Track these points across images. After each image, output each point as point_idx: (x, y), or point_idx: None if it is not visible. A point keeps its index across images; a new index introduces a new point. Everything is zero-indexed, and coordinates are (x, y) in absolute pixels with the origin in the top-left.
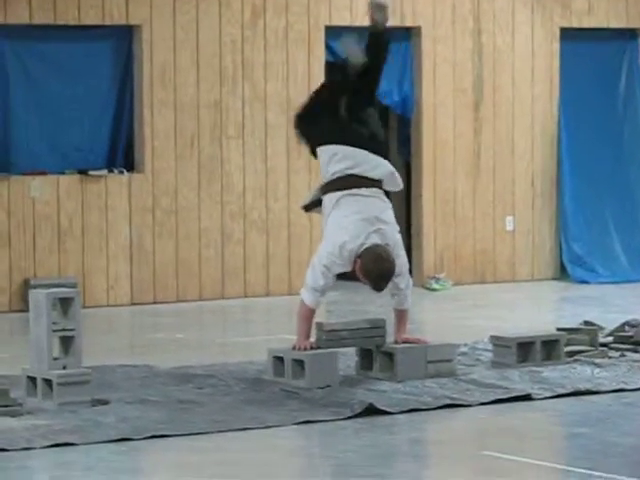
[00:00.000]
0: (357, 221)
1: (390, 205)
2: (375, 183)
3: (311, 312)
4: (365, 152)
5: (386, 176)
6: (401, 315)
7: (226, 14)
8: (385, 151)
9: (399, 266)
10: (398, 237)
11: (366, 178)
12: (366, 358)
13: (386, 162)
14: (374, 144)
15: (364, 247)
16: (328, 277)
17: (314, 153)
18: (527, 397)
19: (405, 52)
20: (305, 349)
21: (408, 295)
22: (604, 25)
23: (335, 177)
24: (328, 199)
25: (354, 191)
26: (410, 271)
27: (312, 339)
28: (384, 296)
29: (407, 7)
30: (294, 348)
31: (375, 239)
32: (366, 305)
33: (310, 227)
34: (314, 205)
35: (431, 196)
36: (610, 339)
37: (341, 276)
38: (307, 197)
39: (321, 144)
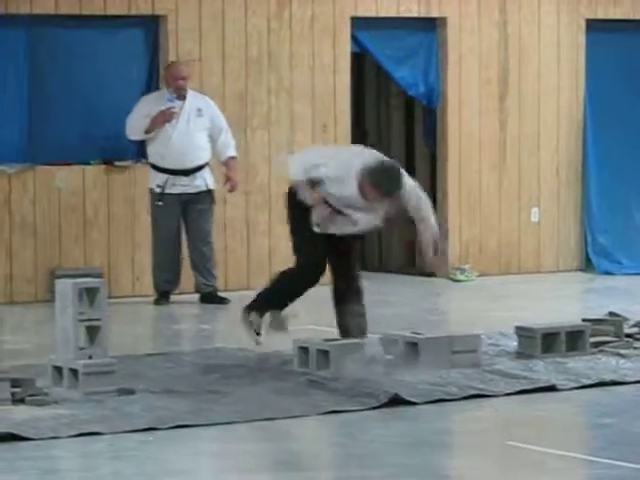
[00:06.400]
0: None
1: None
2: None
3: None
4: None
5: None
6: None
7: (252, 5)
8: None
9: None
10: None
11: None
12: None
13: None
14: None
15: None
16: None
17: None
18: (552, 388)
19: (431, 43)
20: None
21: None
22: (630, 16)
23: None
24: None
25: None
26: None
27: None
28: (409, 286)
29: None
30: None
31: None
32: (392, 296)
33: None
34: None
35: (456, 187)
36: (635, 330)
37: (367, 267)
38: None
39: None
